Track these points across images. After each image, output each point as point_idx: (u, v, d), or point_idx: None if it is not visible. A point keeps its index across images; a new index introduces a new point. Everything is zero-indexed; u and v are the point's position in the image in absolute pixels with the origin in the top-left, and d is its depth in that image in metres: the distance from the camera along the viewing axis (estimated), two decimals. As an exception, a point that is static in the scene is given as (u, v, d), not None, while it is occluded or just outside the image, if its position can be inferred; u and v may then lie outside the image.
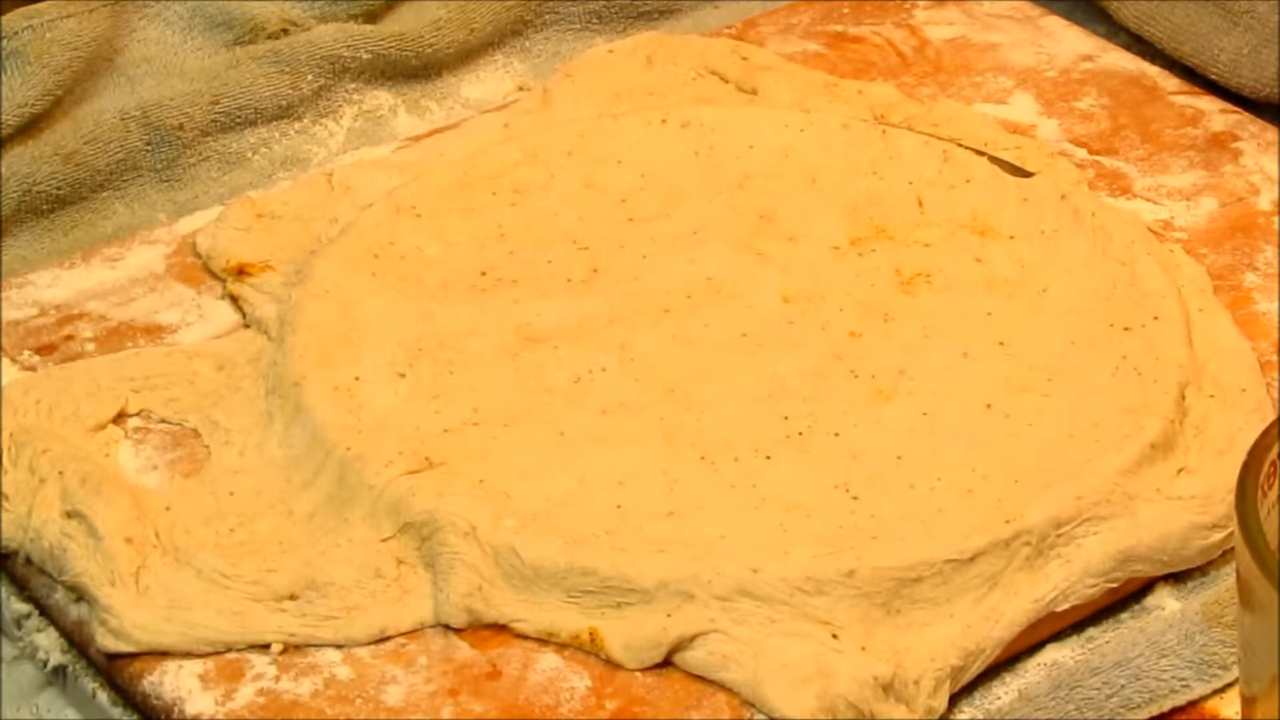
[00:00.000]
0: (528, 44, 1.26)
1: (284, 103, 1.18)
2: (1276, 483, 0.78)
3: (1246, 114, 1.17)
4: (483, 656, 0.87)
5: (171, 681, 0.87)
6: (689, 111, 1.13)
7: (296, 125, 1.19)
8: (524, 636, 0.88)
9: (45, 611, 0.93)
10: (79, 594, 0.90)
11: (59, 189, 1.13)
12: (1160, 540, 0.89)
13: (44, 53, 1.13)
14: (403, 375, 0.99)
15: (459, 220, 1.08)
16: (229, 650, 0.87)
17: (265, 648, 0.87)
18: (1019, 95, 1.19)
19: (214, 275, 1.06)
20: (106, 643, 0.88)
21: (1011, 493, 0.91)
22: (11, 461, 0.95)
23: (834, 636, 0.85)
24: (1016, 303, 1.02)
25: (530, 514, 0.90)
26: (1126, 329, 0.99)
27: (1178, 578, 0.91)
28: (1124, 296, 1.00)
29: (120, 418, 0.98)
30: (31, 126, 1.13)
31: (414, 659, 0.87)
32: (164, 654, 0.87)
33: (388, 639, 0.88)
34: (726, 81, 1.18)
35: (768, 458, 0.94)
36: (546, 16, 1.26)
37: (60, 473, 0.93)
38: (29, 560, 0.92)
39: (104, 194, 1.14)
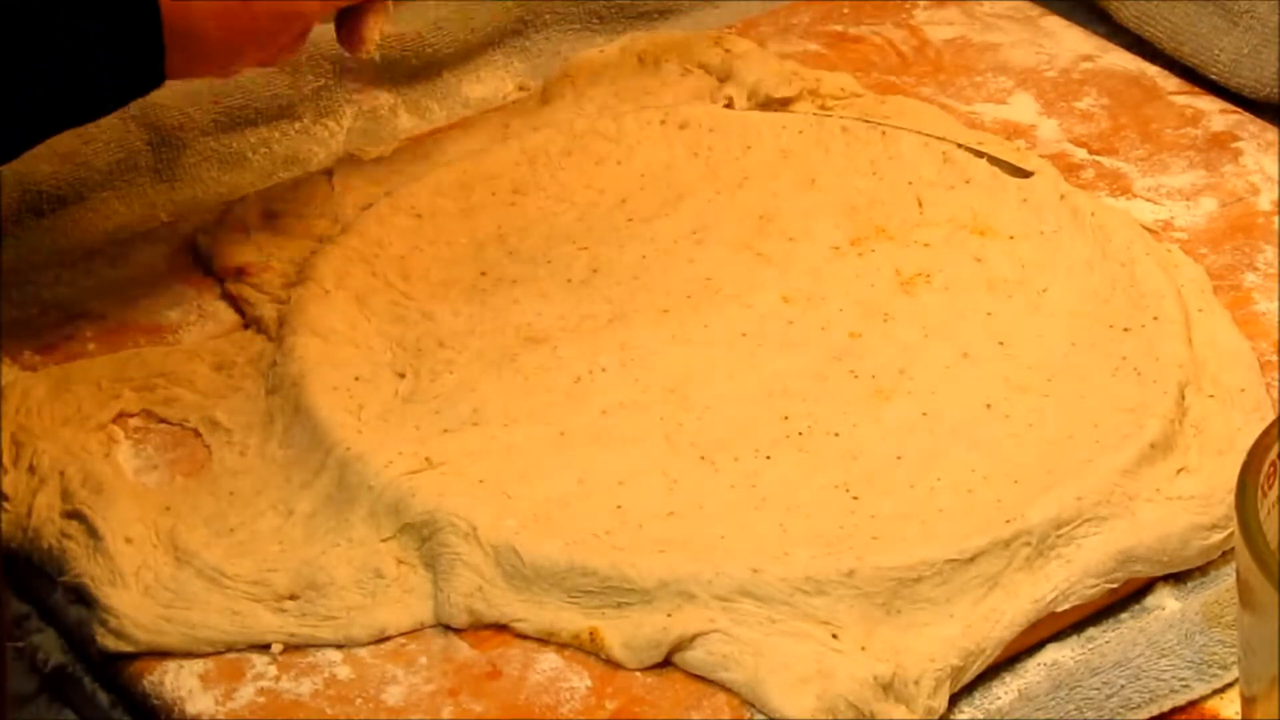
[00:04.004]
0: (528, 44, 1.26)
1: (284, 103, 1.18)
2: (1276, 483, 0.78)
3: (1246, 114, 1.17)
4: (483, 656, 0.87)
5: (171, 681, 0.87)
6: (686, 111, 1.13)
7: (296, 125, 1.19)
8: (524, 636, 0.88)
9: (45, 611, 0.93)
10: (79, 594, 0.90)
11: (59, 189, 1.13)
12: (1160, 540, 0.89)
13: (44, 53, 1.13)
14: (403, 375, 0.99)
15: (459, 220, 1.08)
16: (229, 650, 0.88)
17: (265, 648, 0.88)
18: (1019, 95, 1.19)
19: (214, 275, 1.06)
20: (106, 643, 0.88)
21: (1011, 493, 0.91)
22: (11, 461, 0.95)
23: (834, 636, 0.85)
24: (1016, 303, 1.02)
25: (530, 514, 0.90)
26: (1126, 329, 0.99)
27: (1178, 578, 0.91)
28: (1123, 297, 1.00)
29: (120, 418, 0.98)
30: (31, 126, 1.13)
31: (414, 659, 0.87)
32: (164, 654, 0.87)
33: (388, 639, 0.88)
34: (709, 72, 1.19)
35: (768, 458, 0.94)
36: (546, 16, 1.26)
37: (60, 473, 0.93)
38: (29, 560, 0.92)
39: (104, 194, 1.14)
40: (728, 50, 1.19)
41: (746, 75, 1.16)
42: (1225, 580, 0.90)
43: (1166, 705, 0.85)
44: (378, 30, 1.02)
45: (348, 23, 1.01)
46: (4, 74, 0.88)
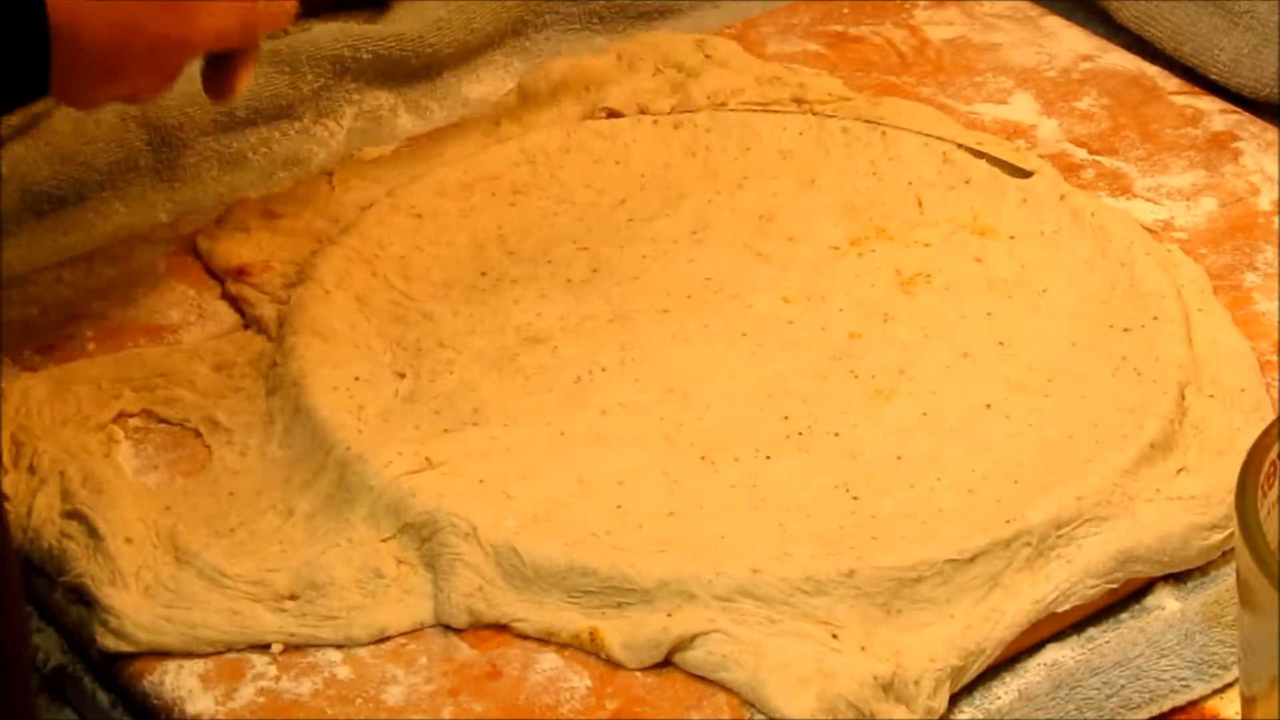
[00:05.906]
0: (528, 44, 1.26)
1: (284, 103, 1.18)
2: (1276, 483, 0.78)
3: (1246, 114, 1.17)
4: (483, 656, 0.87)
5: (171, 681, 0.87)
6: (683, 113, 1.13)
7: (296, 125, 1.19)
8: (524, 636, 0.88)
9: (45, 611, 0.93)
10: (79, 594, 0.90)
11: (59, 189, 1.13)
12: (1160, 541, 0.89)
13: (44, 53, 1.13)
14: (403, 375, 0.99)
15: (459, 220, 1.08)
16: (229, 650, 0.88)
17: (265, 648, 0.88)
18: (1019, 95, 1.19)
19: (214, 275, 1.06)
20: (106, 643, 0.88)
21: (1011, 493, 0.91)
22: (11, 461, 0.95)
23: (834, 636, 0.85)
24: (1016, 303, 1.02)
25: (530, 514, 0.90)
26: (1126, 329, 0.99)
27: (1178, 578, 0.91)
28: (1123, 297, 1.00)
29: (120, 418, 0.98)
30: (32, 126, 1.13)
31: (414, 659, 0.87)
32: (164, 654, 0.87)
33: (388, 639, 0.88)
34: (681, 72, 1.18)
35: (768, 458, 0.94)
36: (546, 16, 1.26)
37: (60, 473, 0.93)
38: (29, 561, 0.92)
39: (104, 194, 1.14)
40: (707, 55, 1.19)
41: (707, 82, 1.16)
42: (1225, 580, 0.90)
43: (1166, 705, 0.85)
44: (246, 81, 1.01)
45: (217, 71, 1.00)
46: None
